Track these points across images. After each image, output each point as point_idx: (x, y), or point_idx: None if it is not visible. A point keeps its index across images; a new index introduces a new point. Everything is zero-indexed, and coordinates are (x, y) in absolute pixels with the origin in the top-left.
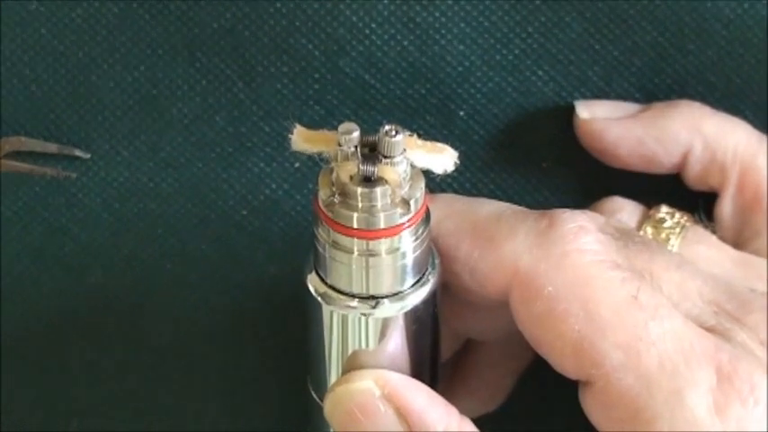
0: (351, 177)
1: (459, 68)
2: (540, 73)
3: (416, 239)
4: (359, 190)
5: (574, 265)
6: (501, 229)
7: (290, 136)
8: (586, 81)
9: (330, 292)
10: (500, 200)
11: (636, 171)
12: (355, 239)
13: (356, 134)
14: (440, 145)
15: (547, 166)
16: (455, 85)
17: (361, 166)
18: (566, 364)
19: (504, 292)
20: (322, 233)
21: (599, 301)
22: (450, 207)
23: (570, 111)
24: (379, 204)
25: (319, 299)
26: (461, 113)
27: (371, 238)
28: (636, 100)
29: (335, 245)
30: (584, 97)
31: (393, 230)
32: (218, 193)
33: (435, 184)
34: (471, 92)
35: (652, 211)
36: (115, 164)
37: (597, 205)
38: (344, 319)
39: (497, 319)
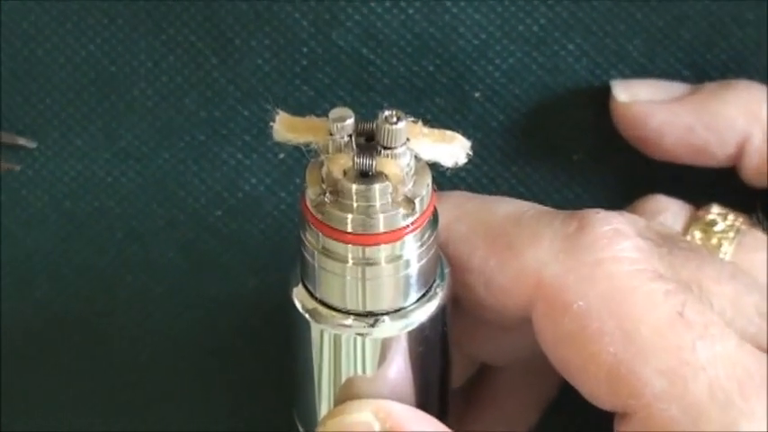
0: (344, 172)
1: (475, 41)
2: (571, 47)
3: (422, 245)
4: (354, 187)
5: (608, 276)
6: (522, 233)
7: (271, 124)
8: (625, 56)
9: (320, 308)
10: (522, 198)
11: (683, 164)
12: (350, 246)
13: (350, 121)
14: (449, 133)
15: (578, 159)
16: (469, 62)
17: (356, 159)
18: (599, 393)
19: (525, 307)
20: (310, 239)
21: (638, 319)
22: (461, 207)
23: (606, 92)
24: (377, 204)
25: (307, 316)
26: (477, 95)
27: (369, 245)
28: (684, 79)
29: (326, 252)
30: (623, 75)
31: (394, 235)
32: (188, 189)
33: (445, 179)
34: (489, 69)
35: (701, 212)
36: (66, 155)
37: (636, 205)
38: (337, 341)
39: (518, 339)
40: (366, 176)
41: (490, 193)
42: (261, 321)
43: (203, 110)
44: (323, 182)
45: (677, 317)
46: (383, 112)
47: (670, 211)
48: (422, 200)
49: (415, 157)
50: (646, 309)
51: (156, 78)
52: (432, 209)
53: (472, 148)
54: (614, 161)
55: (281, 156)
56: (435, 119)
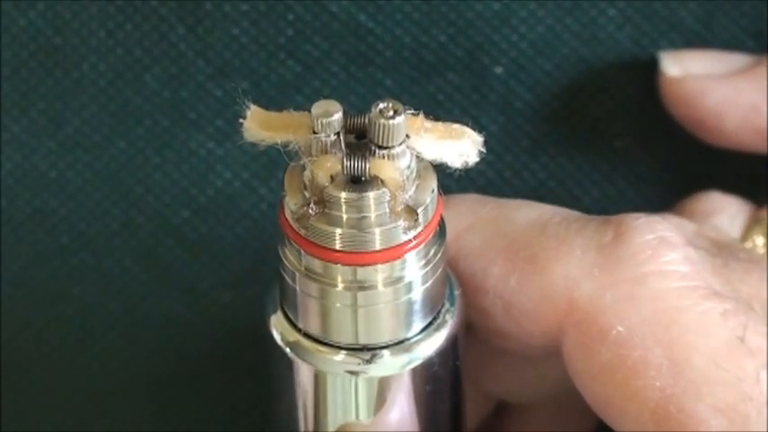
0: (332, 178)
1: (495, 5)
2: (611, 12)
3: (427, 264)
4: (343, 195)
5: (653, 295)
6: (548, 244)
7: (241, 121)
8: (677, 24)
9: (303, 341)
10: (553, 195)
11: (746, 152)
12: (339, 266)
13: (338, 116)
14: (457, 127)
15: (621, 146)
16: (489, 30)
17: (345, 162)
18: None
19: (554, 335)
20: (291, 257)
21: (691, 346)
22: (474, 214)
23: (654, 66)
24: (372, 215)
25: (288, 351)
26: (498, 70)
27: (362, 264)
28: (748, 50)
29: (310, 274)
30: (675, 46)
31: (393, 252)
32: (148, 185)
33: (459, 173)
34: (513, 39)
35: (764, 212)
36: (1, 144)
37: (685, 205)
38: (326, 380)
39: (543, 372)
40: (358, 182)
41: (515, 189)
42: (234, 344)
43: (167, 89)
44: (305, 189)
45: (737, 342)
46: (377, 105)
47: (727, 211)
48: (426, 209)
49: (417, 156)
50: (699, 334)
51: (109, 51)
52: (438, 219)
53: (493, 133)
54: (665, 149)
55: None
56: (448, 99)
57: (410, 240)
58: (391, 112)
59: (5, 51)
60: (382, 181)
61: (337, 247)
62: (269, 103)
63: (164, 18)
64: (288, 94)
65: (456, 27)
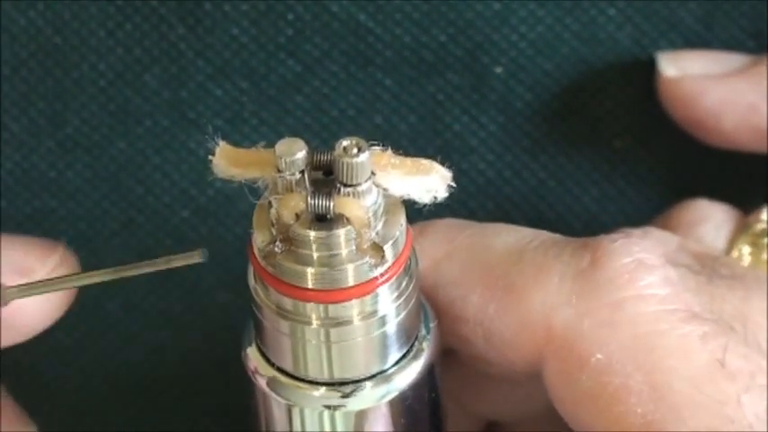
0: (297, 216)
1: (495, 5)
2: (611, 12)
3: (400, 296)
4: (311, 234)
5: (632, 320)
6: (525, 271)
7: (210, 158)
8: (677, 24)
9: (279, 376)
10: (555, 194)
11: (745, 151)
12: (311, 304)
13: (301, 155)
14: (425, 162)
15: (621, 146)
16: (489, 30)
17: (309, 200)
18: None
19: (534, 361)
20: (261, 295)
21: (670, 371)
22: (451, 241)
23: (654, 66)
24: (343, 252)
25: (264, 386)
26: (498, 70)
27: (334, 301)
28: (748, 50)
29: (282, 313)
30: (674, 46)
31: (365, 288)
32: (148, 185)
33: (458, 173)
34: (512, 39)
35: (751, 219)
36: (1, 143)
37: (672, 214)
38: (302, 415)
39: (529, 393)
40: (323, 220)
41: (515, 189)
42: (234, 344)
43: (167, 89)
44: (273, 227)
45: (717, 366)
46: (340, 143)
47: (712, 220)
48: (394, 243)
49: (384, 191)
50: (679, 358)
51: (109, 51)
52: (408, 252)
53: (493, 133)
54: (665, 149)
55: (261, 145)
56: (448, 99)
57: (382, 275)
58: (355, 150)
59: (5, 51)
60: (347, 219)
61: (309, 285)
62: (269, 103)
63: (164, 18)
64: (288, 94)
65: (456, 27)
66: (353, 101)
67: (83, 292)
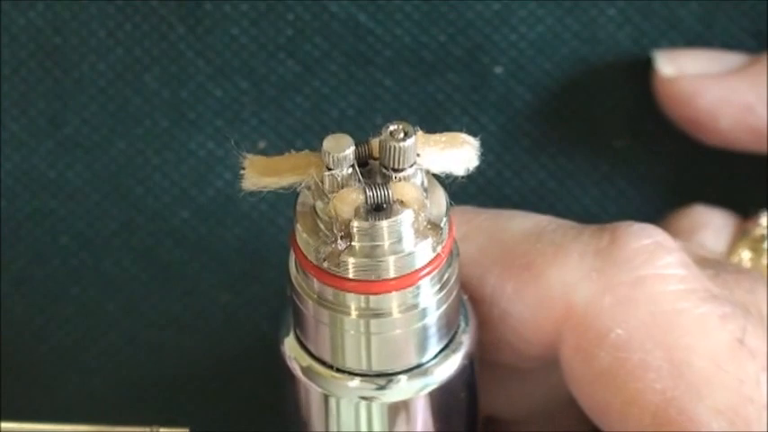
0: (356, 211)
1: (495, 5)
2: (611, 12)
3: (442, 289)
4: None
5: (652, 298)
6: (544, 250)
7: (241, 172)
8: (677, 23)
9: (316, 366)
10: (555, 194)
11: (741, 151)
12: (352, 295)
13: (350, 150)
14: (454, 135)
15: (621, 146)
16: (489, 30)
17: (368, 192)
18: None
19: (551, 341)
20: (303, 284)
21: (691, 348)
22: (468, 223)
23: (653, 66)
24: (386, 244)
25: (301, 376)
26: (498, 70)
27: (376, 292)
28: (748, 50)
29: (322, 301)
30: (674, 46)
31: (405, 280)
32: (148, 186)
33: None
34: (512, 39)
35: (750, 224)
36: (1, 143)
37: (671, 221)
38: (338, 406)
39: (532, 387)
40: (380, 209)
41: (515, 189)
42: (234, 344)
43: (167, 89)
44: (324, 228)
45: (737, 345)
46: (387, 127)
47: (711, 226)
48: (447, 221)
49: (427, 172)
50: (699, 336)
51: (109, 51)
52: (452, 241)
53: (493, 133)
54: (665, 149)
55: (261, 145)
56: (448, 99)
57: (424, 266)
58: (402, 134)
59: (5, 51)
60: (403, 203)
61: (351, 275)
62: (269, 104)
63: (164, 18)
64: (288, 94)
65: (456, 27)
66: (353, 101)
67: (83, 291)
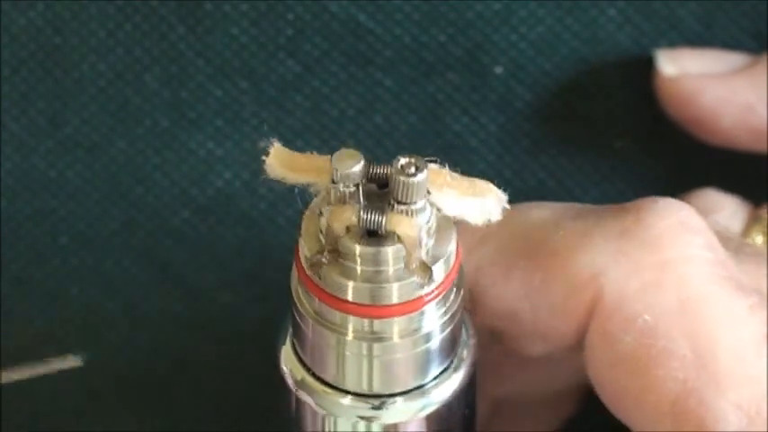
0: (348, 229)
1: (496, 5)
2: (611, 12)
3: (446, 313)
4: (357, 249)
5: (680, 283)
6: (567, 236)
7: (264, 158)
8: (677, 23)
9: (311, 380)
10: (555, 194)
11: (742, 150)
12: (351, 317)
13: (357, 168)
14: (482, 183)
15: (621, 146)
16: (489, 30)
17: (362, 215)
18: (658, 428)
19: (583, 328)
20: (303, 300)
21: (717, 339)
22: (486, 225)
23: (654, 66)
24: (389, 270)
25: (295, 389)
26: (498, 70)
27: (378, 317)
28: (748, 50)
29: (322, 321)
30: (674, 46)
31: (410, 306)
32: (148, 185)
33: (454, 165)
34: (512, 39)
35: (762, 211)
36: (1, 143)
37: (683, 201)
38: (334, 424)
39: (552, 372)
40: (374, 235)
41: (515, 189)
42: (234, 344)
43: (167, 89)
44: (322, 235)
45: (763, 340)
46: (398, 160)
47: (725, 209)
48: (445, 261)
49: (438, 210)
50: (726, 327)
51: (109, 51)
52: (456, 270)
53: (493, 133)
54: (665, 149)
55: (262, 145)
56: (448, 99)
57: (426, 295)
58: (413, 169)
59: (5, 51)
60: (398, 236)
61: (350, 298)
62: (269, 103)
63: (164, 18)
64: (288, 94)
65: (456, 27)
66: (353, 101)
67: (83, 291)
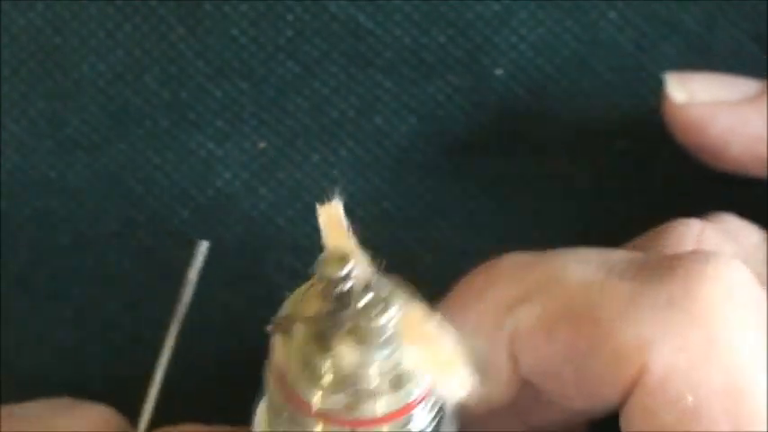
0: (311, 319)
1: (496, 6)
2: (612, 14)
3: (435, 416)
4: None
5: (729, 366)
6: (611, 303)
7: (318, 208)
8: (678, 26)
9: None
10: (555, 194)
11: (748, 177)
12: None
13: (341, 273)
14: (450, 358)
15: (621, 146)
16: (489, 31)
17: (318, 320)
18: None
19: (622, 398)
20: (274, 390)
21: (760, 424)
22: (521, 281)
23: (654, 67)
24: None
25: None
26: (498, 72)
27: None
28: (748, 52)
29: (293, 419)
30: (676, 49)
31: (397, 413)
32: (148, 185)
33: (459, 176)
34: (512, 41)
35: None
36: (1, 144)
37: (705, 224)
38: None
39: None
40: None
41: (515, 189)
42: (234, 344)
43: (167, 90)
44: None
45: None
46: (364, 293)
47: (750, 237)
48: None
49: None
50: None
51: (109, 51)
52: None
53: (493, 134)
54: (665, 149)
55: (262, 145)
56: (448, 100)
57: (413, 401)
58: (377, 310)
59: (5, 51)
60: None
61: (316, 405)
62: (269, 104)
63: (163, 18)
64: (287, 95)
65: (456, 28)
66: (353, 102)
67: (83, 291)
